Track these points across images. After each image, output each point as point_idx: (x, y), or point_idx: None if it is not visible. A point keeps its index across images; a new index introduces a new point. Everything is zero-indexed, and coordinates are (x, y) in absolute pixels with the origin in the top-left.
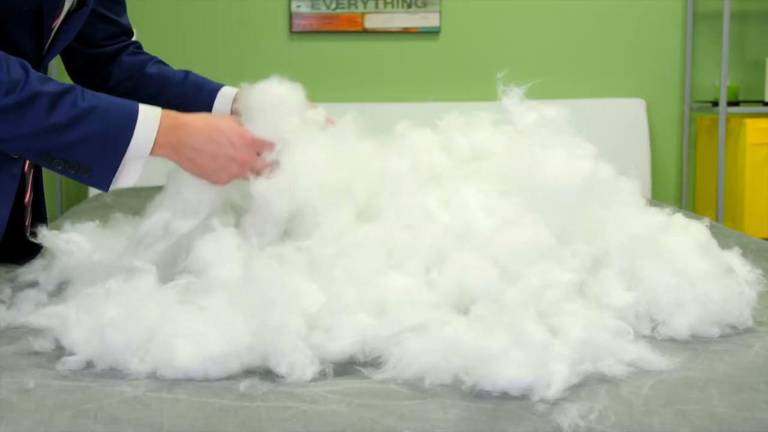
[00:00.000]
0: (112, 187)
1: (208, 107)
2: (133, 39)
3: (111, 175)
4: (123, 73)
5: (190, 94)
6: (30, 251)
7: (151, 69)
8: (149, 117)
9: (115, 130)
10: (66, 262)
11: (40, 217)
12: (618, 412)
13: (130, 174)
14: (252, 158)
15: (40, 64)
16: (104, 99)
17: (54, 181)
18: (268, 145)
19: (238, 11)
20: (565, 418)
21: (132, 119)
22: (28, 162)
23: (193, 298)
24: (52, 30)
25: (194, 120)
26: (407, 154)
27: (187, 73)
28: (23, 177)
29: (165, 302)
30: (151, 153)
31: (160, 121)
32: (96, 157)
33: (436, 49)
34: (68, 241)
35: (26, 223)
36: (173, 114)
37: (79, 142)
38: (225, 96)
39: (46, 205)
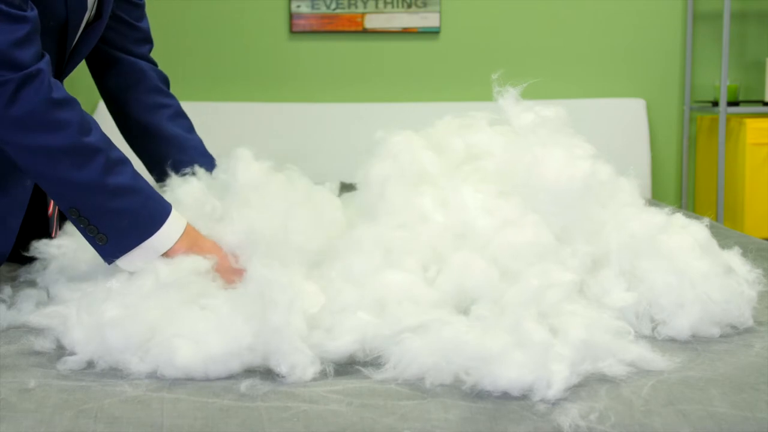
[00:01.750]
0: (113, 263)
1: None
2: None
3: (120, 254)
4: (141, 120)
5: (188, 161)
6: None
7: (170, 129)
8: (177, 222)
9: (148, 218)
10: (68, 264)
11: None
12: (618, 412)
13: (136, 262)
14: (237, 274)
15: (61, 78)
16: (149, 185)
17: None
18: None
19: (238, 11)
20: (565, 418)
21: (164, 215)
22: None
23: (193, 298)
24: (73, 43)
25: (210, 242)
26: (390, 155)
27: (198, 143)
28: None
29: (165, 302)
30: (166, 254)
31: (186, 229)
32: (119, 233)
33: (436, 49)
34: (59, 246)
35: (53, 235)
36: (194, 228)
37: (114, 212)
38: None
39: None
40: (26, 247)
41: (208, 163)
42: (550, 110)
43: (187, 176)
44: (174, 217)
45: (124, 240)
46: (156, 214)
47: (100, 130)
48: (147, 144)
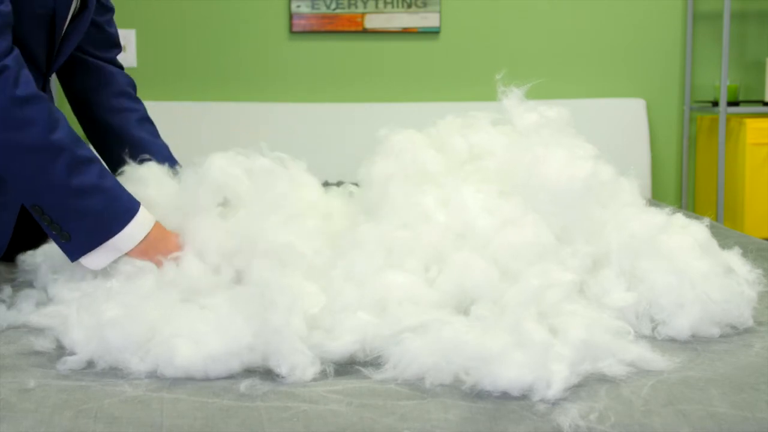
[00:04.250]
0: (76, 261)
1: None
2: (119, 52)
3: (83, 252)
4: (106, 124)
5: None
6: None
7: (138, 132)
8: (142, 223)
9: (112, 217)
10: (68, 263)
11: None
12: (618, 412)
13: (99, 260)
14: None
15: (50, 70)
16: (118, 184)
17: None
18: None
19: (238, 11)
20: (565, 418)
21: (128, 216)
22: None
23: (193, 298)
24: (62, 34)
25: (174, 243)
26: (392, 154)
27: (167, 153)
28: None
29: (165, 302)
30: (128, 253)
31: (149, 231)
32: (82, 232)
33: (436, 49)
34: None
35: None
36: (161, 227)
37: (77, 212)
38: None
39: None
40: (24, 245)
41: (173, 166)
42: (554, 111)
43: (146, 162)
44: (141, 217)
45: (87, 239)
46: (120, 214)
47: (68, 127)
48: (112, 146)
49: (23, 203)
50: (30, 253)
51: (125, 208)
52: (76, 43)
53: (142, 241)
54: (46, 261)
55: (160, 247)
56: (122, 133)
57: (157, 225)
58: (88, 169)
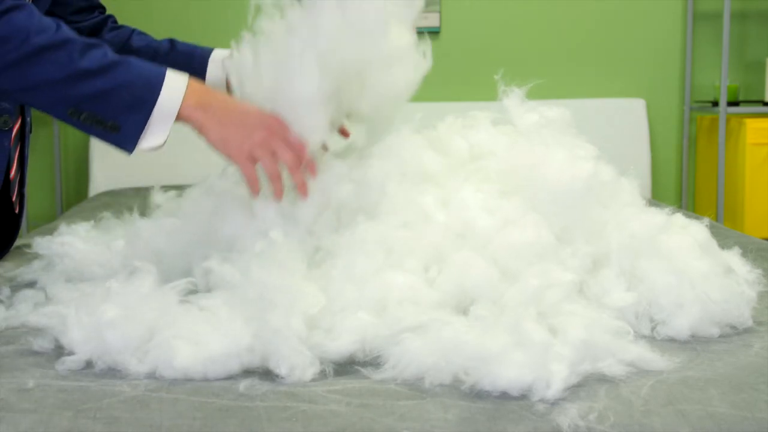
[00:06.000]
0: (137, 149)
1: (201, 75)
2: (107, 13)
3: (139, 132)
4: None
5: (182, 63)
6: (16, 224)
7: (137, 42)
8: (177, 77)
9: (145, 82)
10: (67, 264)
11: (23, 194)
12: (618, 412)
13: (156, 135)
14: (282, 130)
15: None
16: (132, 57)
17: (54, 180)
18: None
19: (239, 11)
20: (564, 418)
21: (161, 76)
22: (13, 137)
23: (192, 299)
24: None
25: (220, 92)
26: (392, 154)
27: (172, 41)
28: (9, 152)
29: (165, 302)
30: (179, 115)
31: (188, 82)
32: (125, 110)
33: (436, 49)
34: (63, 244)
35: (13, 199)
36: (198, 81)
37: (109, 91)
38: (217, 61)
39: (47, 205)
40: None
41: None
42: (555, 111)
43: None
44: (172, 73)
45: (135, 115)
46: (152, 76)
47: (65, 26)
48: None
49: (58, 117)
50: (48, 238)
51: (154, 72)
52: (45, 5)
53: (186, 95)
54: (45, 260)
55: (207, 98)
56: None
57: (194, 80)
58: (99, 51)
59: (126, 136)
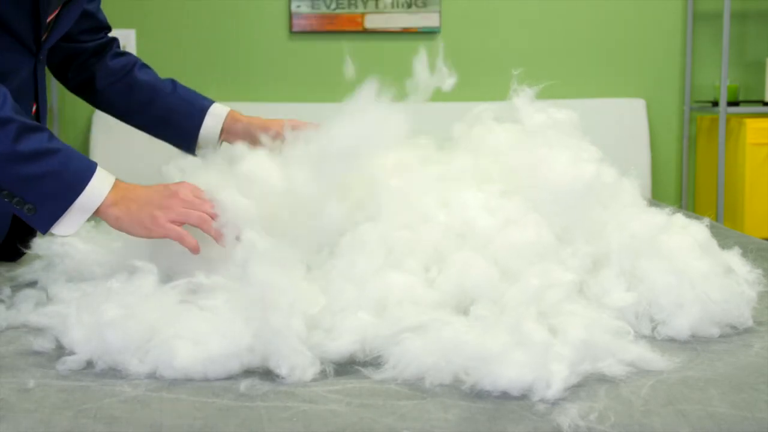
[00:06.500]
0: (49, 232)
1: (197, 124)
2: (111, 36)
3: (53, 221)
4: (110, 77)
5: (181, 109)
6: (30, 229)
7: (141, 75)
8: (104, 177)
9: (72, 175)
10: (67, 263)
11: None
12: (618, 412)
13: (69, 225)
14: (186, 188)
15: (40, 50)
16: (69, 147)
17: None
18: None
19: (238, 11)
20: (565, 418)
21: (89, 171)
22: None
23: (193, 299)
24: (47, 21)
25: (143, 189)
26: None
27: (174, 83)
28: None
29: (165, 302)
30: (97, 211)
31: (114, 183)
32: (46, 198)
33: (436, 49)
34: (63, 244)
35: None
36: (124, 183)
37: (36, 177)
38: (215, 114)
39: None
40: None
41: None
42: (563, 113)
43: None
44: (100, 172)
45: (53, 205)
46: (79, 171)
47: (11, 102)
48: (141, 103)
49: None
50: (48, 238)
51: (83, 166)
52: (68, 25)
53: (110, 192)
54: (45, 260)
55: (126, 200)
56: (135, 82)
57: (119, 180)
58: (36, 135)
59: (40, 220)
